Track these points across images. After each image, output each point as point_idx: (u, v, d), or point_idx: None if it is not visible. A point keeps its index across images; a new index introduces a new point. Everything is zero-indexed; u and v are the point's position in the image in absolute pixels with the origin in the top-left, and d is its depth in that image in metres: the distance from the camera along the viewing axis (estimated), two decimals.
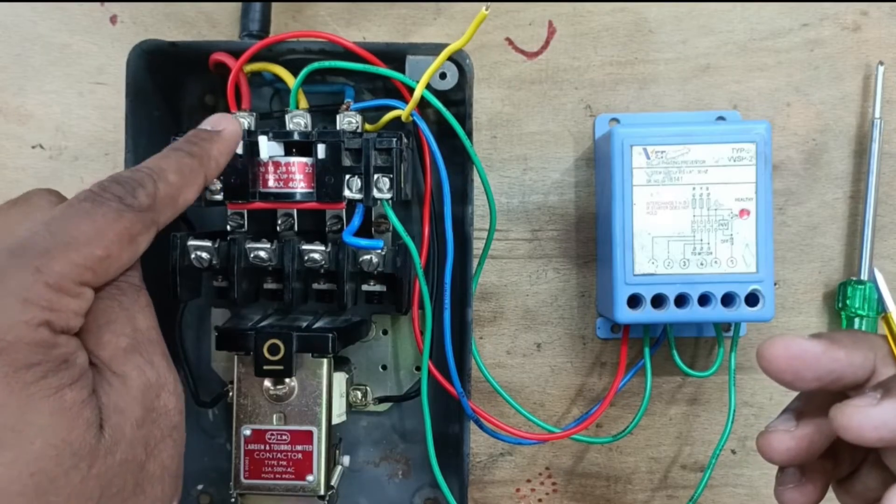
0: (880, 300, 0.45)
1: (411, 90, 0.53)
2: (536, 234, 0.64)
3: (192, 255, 0.52)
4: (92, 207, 0.39)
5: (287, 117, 0.54)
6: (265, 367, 0.51)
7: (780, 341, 0.40)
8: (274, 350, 0.51)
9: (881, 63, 0.62)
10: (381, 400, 0.59)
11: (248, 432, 0.53)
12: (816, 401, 0.43)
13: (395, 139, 0.52)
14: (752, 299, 0.56)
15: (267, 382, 0.53)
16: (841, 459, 0.44)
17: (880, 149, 0.61)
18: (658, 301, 0.56)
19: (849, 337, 0.41)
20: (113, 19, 0.64)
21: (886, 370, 0.40)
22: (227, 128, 0.48)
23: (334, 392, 0.54)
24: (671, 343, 0.61)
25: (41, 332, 0.35)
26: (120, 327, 0.40)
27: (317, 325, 0.54)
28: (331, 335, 0.51)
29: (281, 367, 0.51)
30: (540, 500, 0.65)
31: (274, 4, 0.61)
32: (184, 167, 0.44)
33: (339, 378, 0.55)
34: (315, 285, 0.55)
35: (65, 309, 0.37)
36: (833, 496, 0.46)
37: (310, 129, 0.54)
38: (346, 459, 0.58)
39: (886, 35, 0.63)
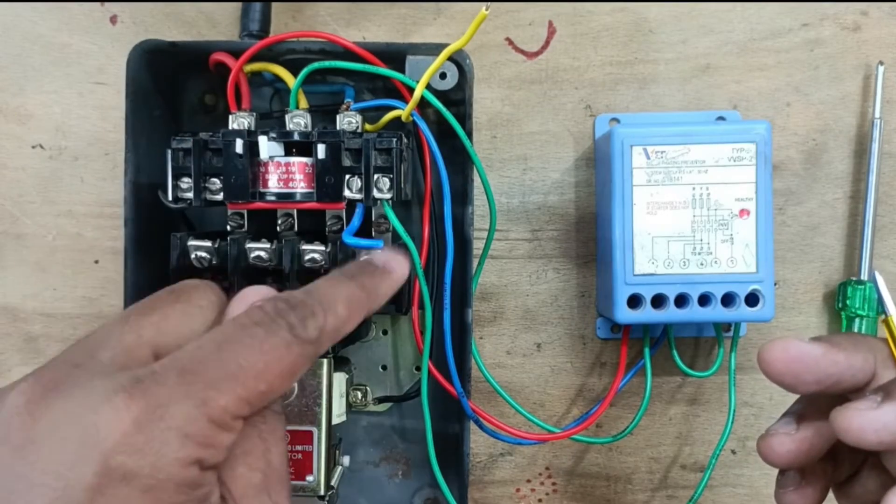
0: (880, 302, 0.45)
1: (411, 90, 0.53)
2: (536, 234, 0.64)
3: (193, 256, 0.52)
4: (265, 335, 0.37)
5: (287, 117, 0.54)
6: None
7: (779, 344, 0.40)
8: None
9: (881, 63, 0.62)
10: (381, 400, 0.60)
11: None
12: (817, 404, 0.43)
13: (395, 139, 0.52)
14: (752, 299, 0.56)
15: None
16: (841, 462, 0.44)
17: (880, 149, 0.61)
18: (658, 301, 0.56)
19: (849, 340, 0.41)
20: (113, 19, 0.64)
21: (887, 373, 0.40)
22: (398, 271, 0.45)
23: (334, 392, 0.54)
24: (671, 343, 0.61)
25: (191, 471, 0.34)
26: (255, 460, 0.38)
27: None
28: None
29: None
30: (540, 500, 0.65)
31: (274, 4, 0.61)
32: (353, 300, 0.41)
33: (339, 378, 0.55)
34: None
35: (218, 445, 0.35)
36: (833, 498, 0.46)
37: (310, 129, 0.54)
38: (346, 459, 0.58)
39: (886, 35, 0.63)
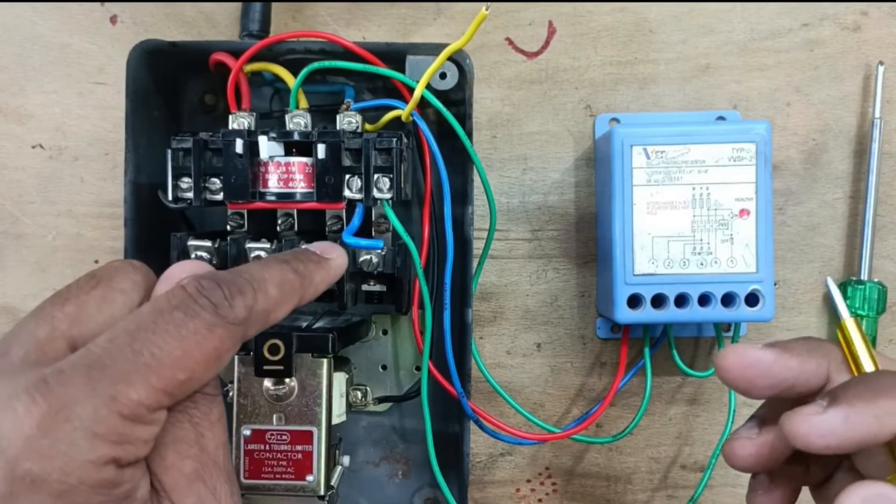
0: (833, 307, 0.45)
1: (411, 90, 0.53)
2: (536, 234, 0.64)
3: (193, 256, 0.52)
4: (183, 319, 0.35)
5: (287, 117, 0.54)
6: (265, 368, 0.51)
7: (734, 350, 0.40)
8: (274, 350, 0.51)
9: (881, 63, 0.62)
10: (381, 400, 0.59)
11: (247, 432, 0.52)
12: (780, 408, 0.43)
13: (395, 139, 0.52)
14: (752, 299, 0.56)
15: (267, 382, 0.53)
16: (813, 465, 0.44)
17: (880, 149, 0.61)
18: (658, 301, 0.56)
19: (803, 345, 0.41)
20: (113, 19, 0.64)
21: (840, 377, 0.40)
22: (335, 259, 0.46)
23: (334, 392, 0.54)
24: (671, 343, 0.61)
25: (107, 472, 0.33)
26: (186, 447, 0.37)
27: (317, 325, 0.54)
28: (331, 335, 0.51)
29: (281, 368, 0.51)
30: (540, 500, 0.65)
31: (274, 4, 0.61)
32: (286, 283, 0.41)
33: (339, 378, 0.55)
34: None
35: (135, 440, 0.34)
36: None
37: (310, 128, 0.54)
38: (346, 459, 0.58)
39: (886, 35, 0.63)
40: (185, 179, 0.52)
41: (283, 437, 0.52)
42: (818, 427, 0.36)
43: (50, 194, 0.64)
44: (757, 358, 0.40)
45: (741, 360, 0.40)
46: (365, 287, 0.56)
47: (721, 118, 0.62)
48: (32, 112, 0.64)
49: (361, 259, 0.53)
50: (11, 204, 0.64)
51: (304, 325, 0.53)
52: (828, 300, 0.64)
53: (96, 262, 0.64)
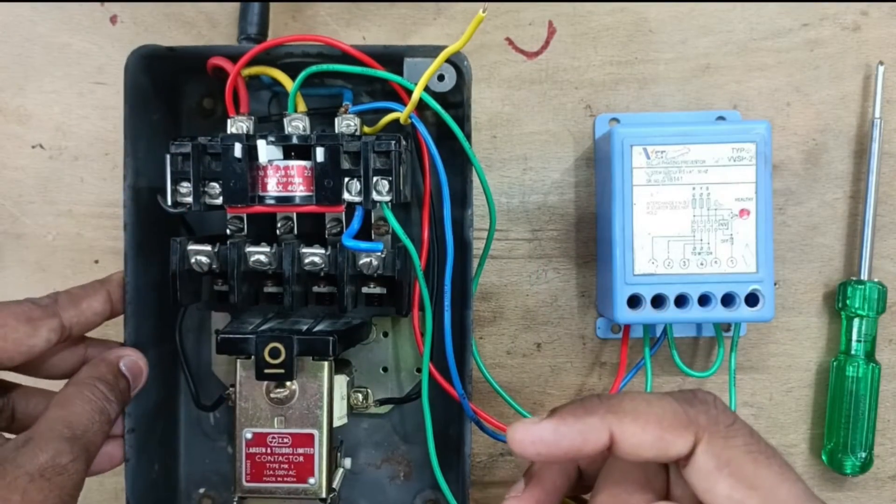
0: None
1: (409, 92, 0.53)
2: (536, 234, 0.64)
3: (192, 260, 0.52)
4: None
5: (285, 121, 0.54)
6: (266, 371, 0.51)
7: (521, 426, 0.40)
8: (275, 354, 0.51)
9: (881, 63, 0.61)
10: (381, 402, 0.60)
11: (249, 436, 0.53)
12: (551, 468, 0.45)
13: (393, 141, 0.51)
14: (752, 299, 0.56)
15: (268, 385, 0.53)
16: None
17: (880, 149, 0.61)
18: (658, 301, 0.56)
19: (578, 407, 0.41)
20: (113, 19, 0.64)
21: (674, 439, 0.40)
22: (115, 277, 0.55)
23: (335, 394, 0.54)
24: (671, 343, 0.61)
25: None
26: None
27: (317, 328, 0.54)
28: (331, 338, 0.52)
29: (282, 371, 0.51)
30: None
31: (274, 4, 0.61)
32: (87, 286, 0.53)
33: (340, 380, 0.55)
34: (315, 288, 0.55)
35: None
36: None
37: (308, 132, 0.53)
38: (347, 462, 0.58)
39: (886, 35, 0.63)
40: (185, 184, 0.52)
41: (285, 440, 0.53)
42: (531, 434, 0.39)
43: (50, 194, 0.64)
44: (538, 434, 0.40)
45: (527, 436, 0.40)
46: (365, 290, 0.56)
47: (721, 118, 0.62)
48: (32, 112, 0.64)
49: (361, 262, 0.53)
50: (11, 204, 0.64)
51: (305, 328, 0.53)
52: (828, 300, 0.64)
53: (96, 261, 0.64)
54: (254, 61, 0.54)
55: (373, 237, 0.56)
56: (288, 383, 0.53)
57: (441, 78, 0.54)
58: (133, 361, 0.53)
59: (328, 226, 0.55)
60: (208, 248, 0.52)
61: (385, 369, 0.61)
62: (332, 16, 0.63)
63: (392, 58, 0.54)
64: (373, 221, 0.56)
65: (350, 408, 0.58)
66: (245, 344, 0.52)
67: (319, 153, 0.52)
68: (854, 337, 0.62)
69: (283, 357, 0.51)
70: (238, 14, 0.60)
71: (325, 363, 0.53)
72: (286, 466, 0.53)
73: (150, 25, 0.64)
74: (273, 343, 0.51)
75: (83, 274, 0.64)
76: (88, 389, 0.49)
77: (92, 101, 0.64)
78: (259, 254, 0.52)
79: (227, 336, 0.52)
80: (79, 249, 0.64)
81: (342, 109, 0.54)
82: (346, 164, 0.52)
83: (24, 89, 0.64)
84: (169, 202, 0.52)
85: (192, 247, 0.52)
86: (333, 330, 0.53)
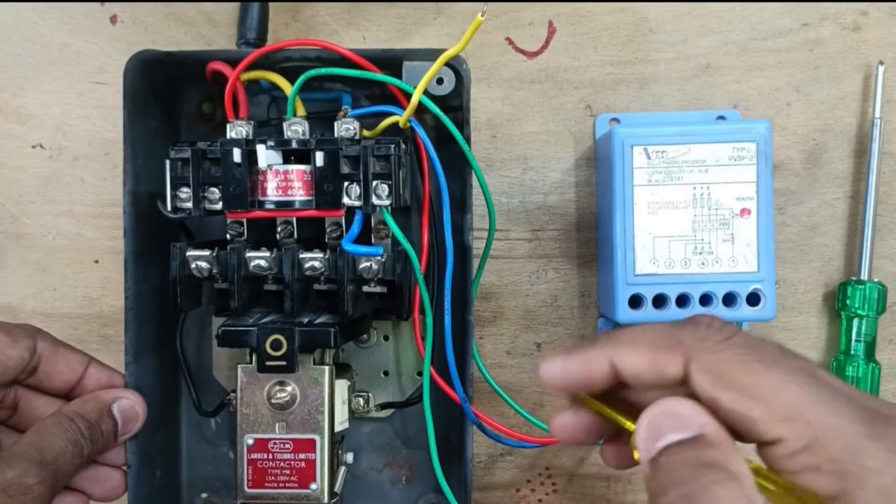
0: None
1: (408, 96, 0.53)
2: (536, 234, 0.64)
3: (192, 265, 0.52)
4: None
5: (285, 125, 0.54)
6: (268, 363, 0.51)
7: (542, 364, 0.42)
8: (276, 346, 0.51)
9: (881, 63, 0.61)
10: (383, 406, 0.60)
11: (250, 441, 0.53)
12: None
13: (393, 145, 0.51)
14: (753, 299, 0.56)
15: (269, 391, 0.53)
16: None
17: (880, 149, 0.61)
18: (659, 301, 0.56)
19: (583, 344, 0.43)
20: (113, 19, 0.63)
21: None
22: None
23: (336, 399, 0.54)
24: None
25: None
26: None
27: (318, 321, 0.54)
28: (332, 329, 0.52)
29: (284, 363, 0.51)
30: (540, 501, 0.65)
31: (273, 4, 0.60)
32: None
33: (341, 385, 0.55)
34: (316, 286, 0.55)
35: None
36: None
37: (308, 136, 0.53)
38: (349, 457, 0.58)
39: (886, 35, 0.62)
40: (184, 189, 0.52)
41: (286, 446, 0.53)
42: (545, 370, 0.42)
43: (50, 194, 0.64)
44: (551, 369, 0.42)
45: (544, 372, 0.42)
46: (366, 288, 0.55)
47: (721, 118, 0.62)
48: (32, 112, 0.64)
49: (361, 266, 0.53)
50: (11, 204, 0.64)
51: (306, 321, 0.53)
52: (828, 299, 0.64)
53: (96, 261, 0.64)
54: (253, 66, 0.54)
55: (373, 241, 0.56)
56: (289, 388, 0.53)
57: (440, 81, 0.54)
58: (129, 405, 0.53)
59: (328, 230, 0.55)
60: (208, 253, 0.52)
61: (386, 373, 0.61)
62: (332, 16, 0.63)
63: (391, 61, 0.54)
64: (373, 225, 0.56)
65: (351, 412, 0.58)
66: (246, 336, 0.52)
67: (319, 157, 0.51)
68: (854, 337, 0.62)
69: (284, 349, 0.51)
70: (238, 14, 0.60)
71: (326, 368, 0.53)
72: (288, 472, 0.53)
73: (150, 25, 0.63)
74: (274, 335, 0.51)
75: (83, 274, 0.64)
76: (67, 422, 0.50)
77: (92, 101, 0.64)
78: (259, 259, 0.52)
79: (228, 328, 0.52)
80: (79, 249, 0.64)
81: (341, 113, 0.54)
82: (345, 169, 0.52)
83: (24, 89, 0.64)
84: (169, 207, 0.52)
85: (192, 252, 0.52)
86: (334, 322, 0.53)
